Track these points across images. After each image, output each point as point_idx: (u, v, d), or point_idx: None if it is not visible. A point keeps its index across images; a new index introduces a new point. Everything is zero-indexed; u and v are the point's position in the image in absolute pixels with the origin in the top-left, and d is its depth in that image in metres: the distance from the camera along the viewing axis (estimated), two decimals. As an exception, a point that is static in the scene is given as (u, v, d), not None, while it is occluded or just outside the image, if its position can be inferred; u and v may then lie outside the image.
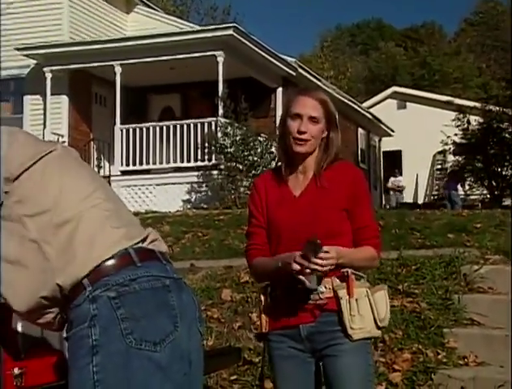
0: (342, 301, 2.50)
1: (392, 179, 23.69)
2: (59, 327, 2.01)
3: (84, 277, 1.85)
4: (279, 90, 16.79)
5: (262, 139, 14.46)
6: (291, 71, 16.85)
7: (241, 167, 13.91)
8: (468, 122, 20.42)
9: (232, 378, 4.68)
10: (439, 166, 25.63)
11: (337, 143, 2.66)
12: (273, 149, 14.39)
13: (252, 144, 14.24)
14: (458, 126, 20.46)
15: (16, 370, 2.00)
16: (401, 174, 24.37)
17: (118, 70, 15.24)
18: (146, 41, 15.08)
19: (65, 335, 1.92)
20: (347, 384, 2.52)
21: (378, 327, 2.56)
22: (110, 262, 1.87)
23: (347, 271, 2.51)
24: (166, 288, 1.90)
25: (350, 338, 2.49)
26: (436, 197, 24.60)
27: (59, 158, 1.98)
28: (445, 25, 61.03)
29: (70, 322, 1.89)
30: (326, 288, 2.51)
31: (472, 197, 20.77)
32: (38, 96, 16.05)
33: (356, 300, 2.50)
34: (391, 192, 23.67)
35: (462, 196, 20.68)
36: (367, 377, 2.56)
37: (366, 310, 2.52)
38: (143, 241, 1.95)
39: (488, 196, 19.83)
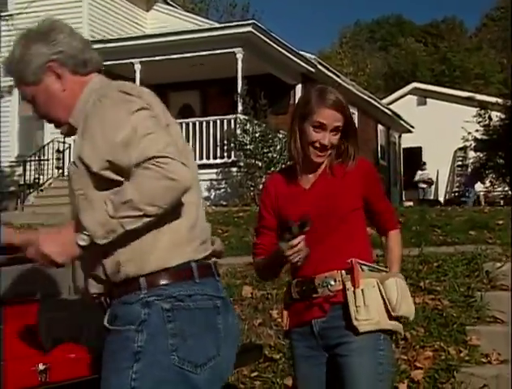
0: (348, 292, 2.46)
1: (420, 172, 23.45)
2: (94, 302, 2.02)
3: (145, 275, 1.85)
4: (299, 86, 16.76)
5: (281, 136, 14.44)
6: (310, 68, 16.81)
7: (260, 164, 13.91)
8: (490, 118, 20.25)
9: (253, 374, 4.68)
10: (460, 163, 25.45)
11: (356, 148, 2.63)
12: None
13: (271, 141, 14.23)
14: (479, 122, 20.31)
15: (41, 366, 2.02)
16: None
17: (138, 67, 15.30)
18: (165, 39, 15.12)
19: (107, 324, 1.93)
20: (355, 385, 2.46)
21: (391, 317, 2.48)
22: (172, 271, 1.87)
23: (352, 261, 2.48)
24: (216, 310, 1.92)
25: (356, 330, 2.43)
26: (457, 194, 24.42)
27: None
28: (466, 20, 60.64)
29: (114, 315, 1.90)
30: (335, 281, 2.50)
31: (494, 193, 20.58)
32: (58, 94, 16.15)
33: (362, 290, 2.45)
34: (420, 185, 23.33)
35: (481, 193, 20.51)
36: (377, 377, 2.47)
37: (373, 301, 2.46)
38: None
39: (510, 192, 19.64)
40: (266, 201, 2.70)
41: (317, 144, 2.54)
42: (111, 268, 1.87)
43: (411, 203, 20.37)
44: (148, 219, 1.78)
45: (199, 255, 1.92)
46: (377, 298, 2.47)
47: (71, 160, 1.95)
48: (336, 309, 2.51)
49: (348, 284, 2.48)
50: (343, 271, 2.50)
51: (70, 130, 2.04)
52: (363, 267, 2.51)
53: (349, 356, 2.47)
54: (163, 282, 1.85)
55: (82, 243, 1.78)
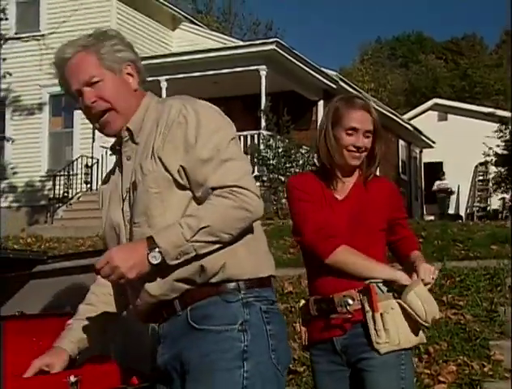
0: (368, 314, 2.43)
1: (438, 182, 23.26)
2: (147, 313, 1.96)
3: (243, 279, 1.87)
4: (321, 103, 16.77)
5: (303, 151, 14.45)
6: (332, 84, 16.83)
7: (283, 178, 13.91)
8: (511, 133, 20.08)
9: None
10: (481, 177, 25.22)
11: (381, 152, 2.64)
12: (315, 161, 14.35)
13: (294, 156, 14.24)
14: (500, 137, 20.15)
15: (72, 378, 2.02)
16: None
17: (164, 84, 15.42)
18: (190, 57, 15.24)
19: (194, 324, 1.85)
20: None
21: (417, 330, 2.46)
22: (262, 280, 1.92)
23: (369, 285, 2.43)
24: None
25: (377, 352, 2.42)
26: (478, 208, 24.20)
27: None
28: (486, 37, 60.35)
29: (203, 315, 1.84)
30: (353, 300, 2.46)
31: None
32: (87, 111, 16.31)
33: (382, 314, 2.41)
34: (439, 195, 23.08)
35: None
36: None
37: (393, 323, 2.42)
38: None
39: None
40: (308, 190, 2.57)
41: (352, 147, 2.53)
42: (211, 270, 1.84)
43: (432, 217, 20.21)
44: (219, 245, 1.81)
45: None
46: (398, 320, 2.43)
47: (142, 162, 1.90)
48: (356, 327, 2.48)
49: (367, 306, 2.44)
50: (360, 291, 2.47)
51: (120, 128, 1.99)
52: (381, 287, 2.47)
53: (373, 371, 2.44)
54: (256, 285, 1.89)
55: (153, 261, 1.77)
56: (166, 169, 1.84)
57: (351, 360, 2.51)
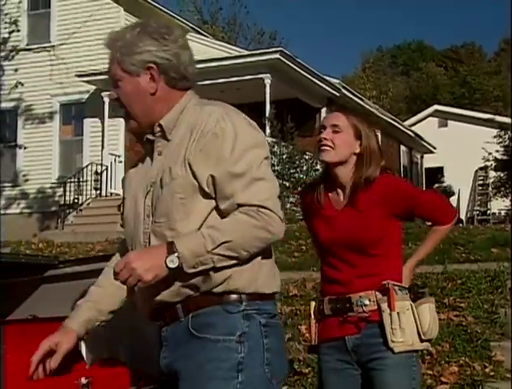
0: (384, 314, 2.45)
1: (437, 185, 23.25)
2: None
3: (248, 293, 1.84)
4: (324, 110, 16.77)
5: (307, 157, 14.44)
6: (334, 92, 16.83)
7: (287, 184, 13.91)
8: (509, 139, 20.08)
9: (283, 388, 4.64)
10: (481, 182, 25.18)
11: (369, 161, 2.57)
12: (318, 167, 14.34)
13: (298, 162, 14.23)
14: (499, 143, 20.15)
15: (83, 380, 2.02)
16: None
17: (171, 93, 15.45)
18: (197, 66, 15.12)
19: (194, 332, 1.82)
20: None
21: (422, 340, 2.48)
22: (266, 295, 1.88)
23: (388, 284, 2.46)
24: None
25: (392, 351, 2.43)
26: (478, 212, 24.14)
27: None
28: (485, 45, 60.26)
29: (203, 323, 1.82)
30: (369, 301, 2.48)
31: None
32: (97, 119, 16.38)
33: (398, 313, 2.44)
34: None
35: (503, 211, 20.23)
36: None
37: (408, 324, 2.45)
38: None
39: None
40: (302, 207, 2.81)
41: (320, 142, 2.61)
42: (217, 279, 1.81)
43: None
44: (237, 261, 1.79)
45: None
46: (411, 321, 2.47)
47: (171, 164, 1.86)
48: (370, 327, 2.49)
49: (384, 306, 2.46)
50: (377, 292, 2.49)
51: (135, 128, 1.98)
52: (397, 289, 2.49)
53: (385, 370, 2.46)
54: (258, 299, 1.86)
55: (171, 265, 1.74)
56: (194, 177, 1.81)
57: (361, 359, 2.52)
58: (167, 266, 1.74)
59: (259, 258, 1.86)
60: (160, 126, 1.92)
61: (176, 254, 1.74)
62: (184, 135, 1.88)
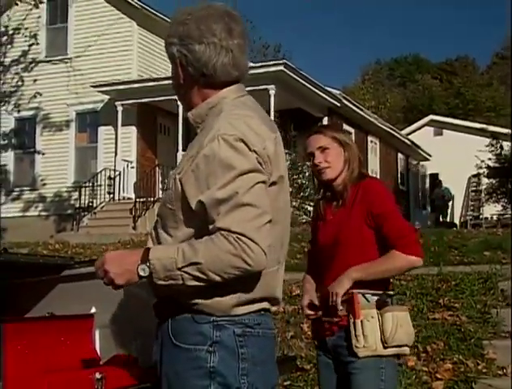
0: (350, 320, 2.47)
1: (436, 190, 23.21)
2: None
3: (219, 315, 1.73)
4: (325, 119, 16.77)
5: (309, 164, 14.41)
6: (335, 102, 16.82)
7: (290, 189, 13.90)
8: (501, 148, 20.03)
9: (286, 383, 4.63)
10: (474, 188, 25.11)
11: (354, 159, 2.64)
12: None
13: (300, 169, 14.23)
14: (491, 151, 20.08)
15: (97, 375, 2.01)
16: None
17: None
18: (205, 77, 15.27)
19: (173, 338, 1.74)
20: None
21: (386, 347, 2.46)
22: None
23: (352, 292, 2.46)
24: (274, 340, 1.85)
25: (356, 355, 2.46)
26: (471, 217, 24.09)
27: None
28: (478, 59, 60.13)
29: (178, 330, 1.74)
30: (343, 306, 2.49)
31: (506, 216, 20.23)
32: (110, 127, 16.41)
33: (362, 321, 2.44)
34: (436, 202, 23.03)
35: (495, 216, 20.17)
36: None
37: (372, 331, 2.45)
38: None
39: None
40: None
41: (316, 167, 2.66)
42: (186, 300, 1.72)
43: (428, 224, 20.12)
44: (208, 283, 1.65)
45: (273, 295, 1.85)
46: (376, 329, 2.46)
47: (173, 174, 1.78)
48: (342, 331, 2.53)
49: (352, 313, 2.48)
50: (345, 300, 2.50)
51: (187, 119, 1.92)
52: (368, 297, 2.49)
53: (354, 373, 2.50)
54: (234, 313, 1.74)
55: (141, 274, 1.66)
56: (185, 196, 1.71)
57: (339, 358, 2.58)
58: (138, 273, 1.67)
59: (243, 284, 1.70)
60: (187, 118, 1.88)
61: (147, 264, 1.66)
62: (195, 142, 1.80)
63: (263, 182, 1.70)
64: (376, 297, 2.50)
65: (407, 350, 2.55)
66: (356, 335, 2.45)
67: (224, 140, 1.68)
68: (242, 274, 1.64)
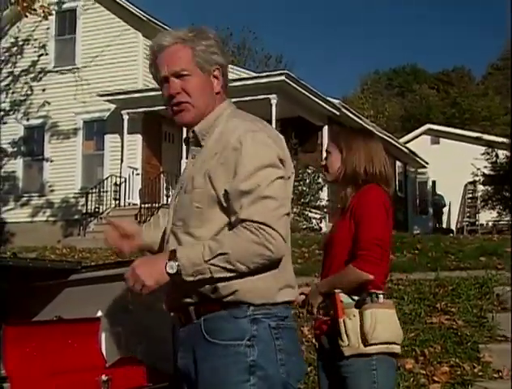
0: (340, 320, 2.47)
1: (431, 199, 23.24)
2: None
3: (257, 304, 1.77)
4: (325, 127, 16.78)
5: (310, 171, 14.44)
6: (335, 111, 16.84)
7: (292, 196, 13.91)
8: (496, 156, 20.03)
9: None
10: (470, 195, 25.08)
11: (349, 164, 2.60)
12: (320, 180, 14.34)
13: (301, 176, 14.22)
14: (487, 159, 20.08)
15: (104, 377, 2.01)
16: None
17: (185, 112, 15.47)
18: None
19: (208, 337, 1.75)
20: None
21: (366, 344, 2.42)
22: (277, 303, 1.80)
23: (335, 293, 2.47)
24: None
25: (342, 354, 2.45)
26: (467, 223, 24.05)
27: None
28: (474, 70, 60.09)
29: (213, 328, 1.75)
30: (323, 309, 2.53)
31: (501, 223, 20.20)
32: (116, 135, 16.43)
33: (344, 320, 2.44)
34: (430, 210, 23.07)
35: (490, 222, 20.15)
36: None
37: (353, 329, 2.44)
38: None
39: (515, 222, 19.27)
40: None
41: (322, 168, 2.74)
42: (223, 291, 1.74)
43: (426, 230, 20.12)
44: (235, 273, 1.71)
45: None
46: (356, 326, 2.45)
47: (195, 174, 1.80)
48: (331, 330, 2.53)
49: (333, 314, 2.49)
50: (329, 299, 2.52)
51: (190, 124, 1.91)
52: (351, 297, 2.48)
53: (348, 377, 2.47)
54: (267, 305, 1.78)
55: (170, 271, 1.69)
56: (214, 189, 1.76)
57: (331, 357, 2.55)
58: (167, 272, 1.69)
59: (273, 273, 1.77)
60: (194, 132, 1.89)
61: (175, 261, 1.69)
62: (212, 145, 1.83)
63: (282, 177, 1.77)
64: (358, 296, 2.49)
65: (395, 348, 2.48)
66: (340, 334, 2.44)
67: (252, 136, 1.76)
68: (266, 262, 1.70)
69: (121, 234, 2.02)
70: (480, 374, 4.59)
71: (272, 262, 1.73)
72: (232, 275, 1.70)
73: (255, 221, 1.69)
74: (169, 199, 2.01)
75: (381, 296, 2.50)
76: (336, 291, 2.46)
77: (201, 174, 1.79)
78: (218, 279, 1.70)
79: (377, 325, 2.42)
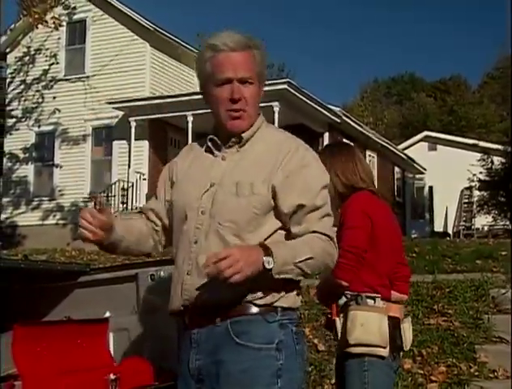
0: (336, 319, 2.52)
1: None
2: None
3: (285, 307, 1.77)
4: (326, 134, 16.78)
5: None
6: (336, 118, 16.84)
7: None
8: (492, 162, 20.01)
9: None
10: (466, 200, 25.04)
11: (331, 174, 2.46)
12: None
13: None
14: (482, 166, 20.06)
15: (112, 376, 2.01)
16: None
17: (190, 118, 15.50)
18: (214, 95, 15.33)
19: (237, 339, 1.71)
20: None
21: (348, 345, 2.44)
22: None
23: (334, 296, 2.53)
24: None
25: (337, 352, 2.53)
26: (463, 227, 24.02)
27: None
28: (470, 78, 60.05)
29: (242, 331, 1.72)
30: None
31: (497, 227, 20.17)
32: (124, 141, 16.46)
33: (334, 320, 2.49)
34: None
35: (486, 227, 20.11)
36: None
37: (341, 330, 2.48)
38: None
39: (511, 226, 19.23)
40: None
41: None
42: (262, 294, 1.73)
43: (424, 234, 20.11)
44: (302, 278, 1.75)
45: None
46: (343, 327, 2.48)
47: (254, 180, 1.75)
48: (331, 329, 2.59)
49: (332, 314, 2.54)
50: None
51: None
52: (348, 296, 2.49)
53: (344, 375, 2.49)
54: (289, 310, 1.79)
55: (267, 266, 1.64)
56: (274, 199, 1.76)
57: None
58: (263, 265, 1.64)
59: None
60: (240, 136, 1.83)
61: (272, 258, 1.65)
62: (264, 154, 1.81)
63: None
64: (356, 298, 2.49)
65: (380, 351, 2.44)
66: (333, 333, 2.50)
67: (312, 154, 1.83)
68: (327, 272, 1.81)
69: (98, 225, 1.86)
70: (476, 373, 4.58)
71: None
72: (300, 278, 1.73)
73: (326, 235, 1.75)
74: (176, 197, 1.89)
75: (377, 299, 2.48)
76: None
77: (260, 181, 1.76)
78: (264, 283, 1.69)
79: (357, 327, 2.42)
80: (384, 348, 2.44)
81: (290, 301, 1.78)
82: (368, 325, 2.42)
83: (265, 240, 1.73)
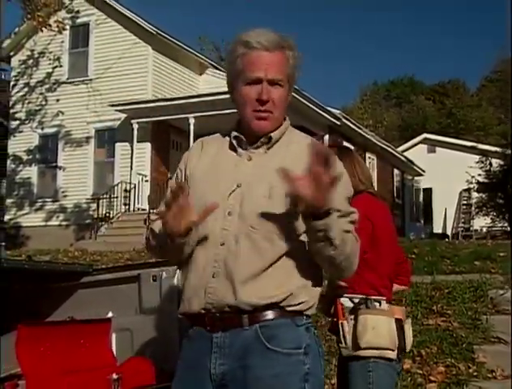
0: (339, 322, 2.52)
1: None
2: None
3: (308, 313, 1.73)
4: (326, 137, 16.74)
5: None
6: (336, 121, 16.85)
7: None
8: (490, 164, 20.03)
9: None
10: (465, 202, 25.04)
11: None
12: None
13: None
14: (481, 168, 20.09)
15: (114, 376, 2.01)
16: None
17: (192, 121, 15.51)
18: (215, 97, 15.29)
19: (268, 344, 1.65)
20: None
21: (358, 348, 2.45)
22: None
23: (337, 297, 2.52)
24: None
25: (341, 355, 2.50)
26: (462, 229, 24.01)
27: None
28: (468, 82, 59.98)
29: (271, 335, 1.66)
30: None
31: (495, 228, 20.16)
32: (127, 144, 16.46)
33: (342, 323, 2.49)
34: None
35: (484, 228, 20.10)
36: None
37: (349, 332, 2.48)
38: None
39: (509, 228, 19.22)
40: None
41: None
42: (297, 299, 1.68)
43: (422, 235, 20.09)
44: (337, 266, 1.69)
45: None
46: (351, 330, 2.48)
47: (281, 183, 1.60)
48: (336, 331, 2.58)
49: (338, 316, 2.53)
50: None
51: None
52: (354, 300, 2.50)
53: (348, 376, 2.50)
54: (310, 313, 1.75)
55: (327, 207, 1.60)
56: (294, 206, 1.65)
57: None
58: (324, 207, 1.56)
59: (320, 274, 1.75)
60: (270, 137, 1.77)
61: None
62: (297, 157, 1.70)
63: None
64: (357, 300, 2.50)
65: (389, 354, 2.45)
66: (339, 336, 2.48)
67: (340, 164, 1.76)
68: (350, 269, 1.71)
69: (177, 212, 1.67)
70: (475, 374, 4.58)
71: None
72: (331, 250, 1.63)
73: (355, 237, 1.69)
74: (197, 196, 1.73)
75: (382, 302, 2.49)
76: (347, 295, 2.49)
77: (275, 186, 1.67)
78: (299, 286, 1.67)
79: (369, 330, 2.43)
80: (393, 350, 2.47)
81: (314, 304, 1.74)
82: (378, 328, 2.44)
83: (295, 245, 1.67)
